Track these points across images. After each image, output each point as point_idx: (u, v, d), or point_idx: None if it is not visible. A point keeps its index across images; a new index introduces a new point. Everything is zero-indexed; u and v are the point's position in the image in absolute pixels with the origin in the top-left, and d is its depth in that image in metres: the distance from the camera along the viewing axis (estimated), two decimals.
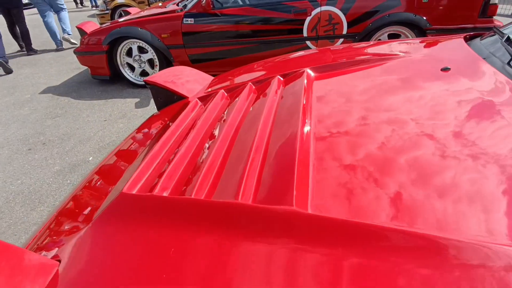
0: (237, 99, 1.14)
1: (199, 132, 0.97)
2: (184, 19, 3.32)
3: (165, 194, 0.73)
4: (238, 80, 1.38)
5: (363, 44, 1.55)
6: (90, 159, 2.46)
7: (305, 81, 1.11)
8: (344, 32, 3.22)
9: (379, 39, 3.29)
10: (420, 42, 1.44)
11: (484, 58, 1.09)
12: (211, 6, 3.25)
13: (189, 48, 3.43)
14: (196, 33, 3.35)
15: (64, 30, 5.76)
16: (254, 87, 1.24)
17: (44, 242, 0.77)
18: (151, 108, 3.20)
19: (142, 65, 3.63)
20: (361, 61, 1.23)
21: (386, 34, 3.25)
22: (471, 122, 0.76)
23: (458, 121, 0.77)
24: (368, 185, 0.62)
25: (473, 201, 0.56)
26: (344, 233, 0.53)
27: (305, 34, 3.25)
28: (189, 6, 3.40)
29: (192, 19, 3.31)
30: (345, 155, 0.72)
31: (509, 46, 1.09)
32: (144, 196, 0.73)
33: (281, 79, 1.23)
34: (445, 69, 1.05)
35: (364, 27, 3.18)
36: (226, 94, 1.25)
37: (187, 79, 1.55)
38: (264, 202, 0.61)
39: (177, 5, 3.88)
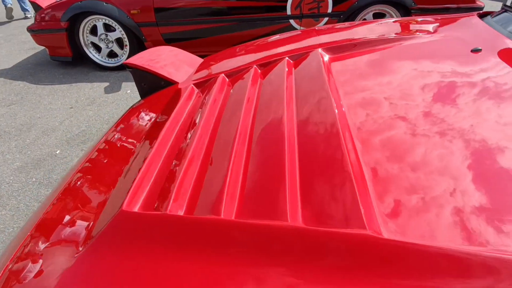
0: (242, 85, 0.97)
1: (205, 129, 0.80)
2: None
3: (180, 213, 0.57)
4: (238, 62, 1.20)
5: (370, 24, 1.41)
6: (57, 152, 2.18)
7: (321, 63, 0.96)
8: (329, 10, 3.07)
9: (364, 19, 3.19)
10: (432, 21, 1.33)
11: (507, 36, 1.00)
12: None
13: (163, 26, 3.12)
14: (171, 9, 3.04)
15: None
16: (259, 70, 1.07)
17: (20, 268, 0.58)
18: (123, 94, 2.90)
19: (110, 45, 3.27)
20: (379, 41, 1.10)
21: (371, 14, 3.15)
22: None
23: None
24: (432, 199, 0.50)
25: None
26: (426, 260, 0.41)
27: (288, 12, 3.07)
28: None
29: None
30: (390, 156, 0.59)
31: None
32: (154, 215, 0.56)
33: (291, 61, 1.07)
34: (476, 50, 0.94)
35: (349, 5, 3.04)
36: (227, 79, 1.07)
37: (174, 61, 1.34)
38: (327, 225, 0.47)
39: None
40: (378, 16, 3.18)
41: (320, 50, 1.06)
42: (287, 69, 0.99)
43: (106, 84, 3.12)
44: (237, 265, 0.47)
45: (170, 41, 3.20)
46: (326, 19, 3.13)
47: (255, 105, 0.85)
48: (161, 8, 3.03)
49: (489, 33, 1.07)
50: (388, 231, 0.46)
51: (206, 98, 0.96)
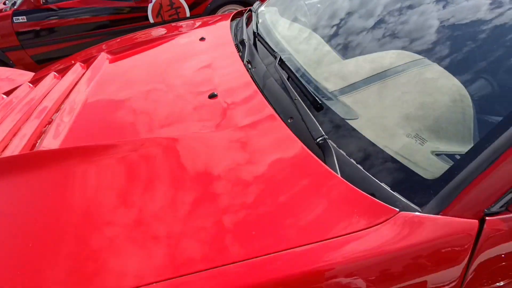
0: (39, 89, 1.28)
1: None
2: (14, 17, 3.07)
3: None
4: (46, 71, 1.50)
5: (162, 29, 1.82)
6: None
7: (99, 65, 1.31)
8: (188, 15, 3.48)
9: None
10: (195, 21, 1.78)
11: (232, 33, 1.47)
12: (42, 0, 3.08)
13: (30, 48, 3.20)
14: (34, 31, 3.14)
15: None
16: (54, 77, 1.38)
17: None
18: None
19: None
20: (149, 41, 1.50)
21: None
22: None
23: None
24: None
25: None
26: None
27: (151, 20, 3.39)
28: (18, 3, 3.14)
29: (24, 16, 3.09)
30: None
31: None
32: None
33: (82, 64, 1.41)
34: (202, 39, 1.39)
35: (204, 8, 3.48)
36: (31, 85, 1.37)
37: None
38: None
39: (4, 3, 3.51)
40: None
41: (103, 53, 1.42)
42: (72, 75, 1.31)
43: None
44: None
45: (41, 62, 3.30)
46: None
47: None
48: (22, 31, 3.12)
49: (222, 29, 1.53)
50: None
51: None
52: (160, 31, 1.70)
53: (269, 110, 0.84)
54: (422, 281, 0.55)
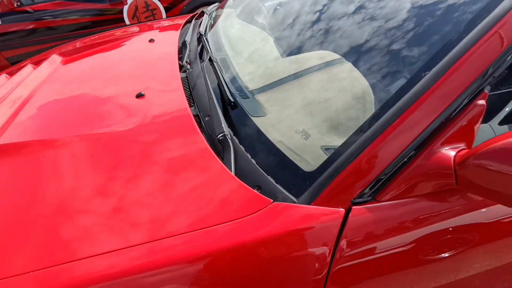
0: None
1: None
2: None
3: None
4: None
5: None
6: None
7: (48, 66, 1.34)
8: (164, 16, 3.50)
9: None
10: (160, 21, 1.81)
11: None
12: (16, 3, 3.10)
13: (6, 51, 3.22)
14: (9, 33, 3.15)
15: None
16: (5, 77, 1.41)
17: None
18: None
19: None
20: (102, 43, 1.53)
21: None
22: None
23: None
24: None
25: None
26: None
27: (127, 22, 3.41)
28: None
29: None
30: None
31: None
32: None
33: (33, 66, 1.43)
34: (151, 40, 1.42)
35: (180, 10, 3.51)
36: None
37: None
38: None
39: None
40: None
41: (54, 55, 1.44)
42: (24, 75, 1.34)
43: None
44: None
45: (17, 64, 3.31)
46: None
47: None
48: None
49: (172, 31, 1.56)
50: None
51: None
52: (118, 33, 1.73)
53: (187, 110, 0.87)
54: (290, 266, 0.58)
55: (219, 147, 0.75)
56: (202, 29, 1.38)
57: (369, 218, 0.59)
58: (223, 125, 0.77)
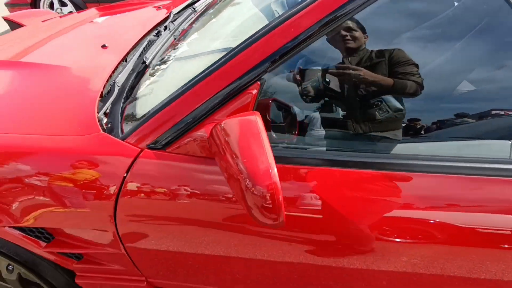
0: None
1: None
2: None
3: None
4: None
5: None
6: None
7: None
8: None
9: None
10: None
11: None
12: None
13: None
14: None
15: None
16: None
17: None
18: None
19: None
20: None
21: None
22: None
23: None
24: None
25: None
26: None
27: None
28: None
29: None
30: None
31: None
32: None
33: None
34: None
35: None
36: None
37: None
38: None
39: None
40: None
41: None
42: None
43: None
44: None
45: None
46: None
47: None
48: None
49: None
50: None
51: None
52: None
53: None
54: (87, 186, 0.79)
55: (109, 90, 0.99)
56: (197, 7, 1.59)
57: (154, 162, 0.76)
58: (121, 77, 1.00)
